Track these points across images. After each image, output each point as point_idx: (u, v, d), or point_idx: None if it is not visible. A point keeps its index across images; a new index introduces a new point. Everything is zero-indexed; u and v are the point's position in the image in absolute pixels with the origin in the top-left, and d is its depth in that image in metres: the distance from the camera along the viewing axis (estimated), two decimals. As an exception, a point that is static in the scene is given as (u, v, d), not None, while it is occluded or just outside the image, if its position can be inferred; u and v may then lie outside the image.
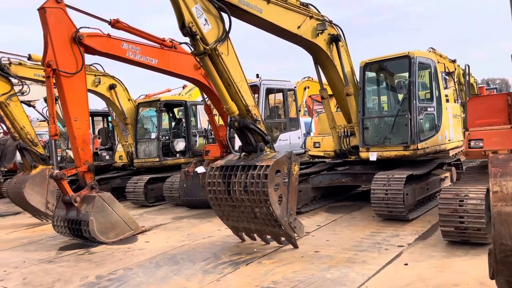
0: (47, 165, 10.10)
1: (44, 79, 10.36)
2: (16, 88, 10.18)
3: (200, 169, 9.92)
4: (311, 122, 11.74)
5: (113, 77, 11.88)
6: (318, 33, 7.41)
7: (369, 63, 8.07)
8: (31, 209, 9.84)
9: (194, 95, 18.07)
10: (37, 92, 13.58)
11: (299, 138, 11.23)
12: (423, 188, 7.94)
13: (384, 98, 8.86)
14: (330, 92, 8.70)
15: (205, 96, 10.98)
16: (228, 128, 6.28)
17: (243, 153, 6.20)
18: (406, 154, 7.49)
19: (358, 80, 8.24)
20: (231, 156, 6.63)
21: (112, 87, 11.76)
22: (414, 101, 7.39)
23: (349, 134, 8.47)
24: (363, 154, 8.01)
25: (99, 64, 11.48)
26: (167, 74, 9.73)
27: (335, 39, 7.71)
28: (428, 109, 7.91)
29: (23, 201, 9.61)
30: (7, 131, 15.30)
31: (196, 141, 12.45)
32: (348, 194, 10.03)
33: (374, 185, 7.13)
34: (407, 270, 4.93)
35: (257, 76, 10.03)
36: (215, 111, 11.31)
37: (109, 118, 14.66)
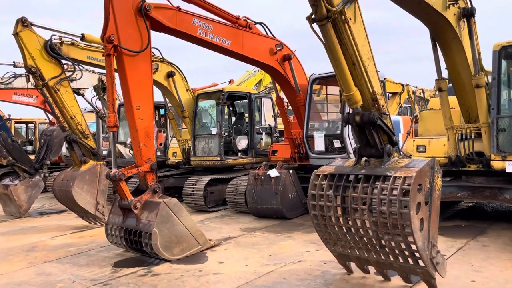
0: (98, 161, 8.88)
1: (98, 63, 9.23)
2: (67, 73, 9.00)
3: (274, 173, 8.40)
4: (399, 121, 9.96)
5: (171, 64, 10.54)
6: (450, 5, 5.70)
7: (507, 47, 6.28)
8: (78, 209, 8.65)
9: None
10: (87, 80, 12.53)
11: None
12: None
13: None
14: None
15: (278, 87, 9.48)
16: (344, 123, 4.65)
17: (364, 159, 4.59)
18: None
19: (488, 70, 6.47)
20: (339, 161, 5.04)
21: (170, 75, 10.42)
22: None
23: (472, 136, 6.69)
24: (496, 164, 6.24)
25: (156, 49, 10.21)
26: (238, 59, 8.26)
27: (468, 14, 5.97)
28: None
29: (71, 200, 8.41)
30: (54, 120, 14.41)
31: (262, 138, 10.93)
32: (452, 210, 8.23)
33: (525, 206, 5.36)
34: None
35: None
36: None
37: (161, 111, 13.46)
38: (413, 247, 4.15)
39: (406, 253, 4.28)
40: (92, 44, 9.16)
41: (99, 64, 9.32)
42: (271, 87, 20.42)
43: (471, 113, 6.83)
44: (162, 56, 10.28)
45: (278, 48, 8.42)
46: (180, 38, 7.26)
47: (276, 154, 10.09)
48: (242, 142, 10.71)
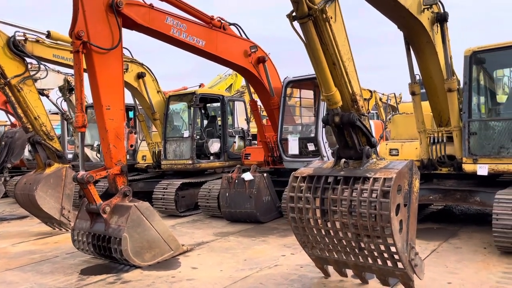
0: (63, 164, 8.48)
1: (65, 62, 8.86)
2: (32, 72, 8.57)
3: (248, 176, 8.27)
4: (371, 125, 10.03)
5: (142, 65, 10.26)
6: (424, 9, 5.78)
7: (477, 52, 6.42)
8: (42, 215, 8.21)
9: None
10: (52, 80, 12.00)
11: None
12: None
13: (497, 97, 7.19)
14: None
15: (252, 90, 9.39)
16: (323, 124, 4.58)
17: (343, 160, 4.54)
18: (534, 169, 5.81)
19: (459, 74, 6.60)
20: (318, 163, 4.96)
21: (140, 76, 10.13)
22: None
23: (444, 140, 6.78)
24: (467, 167, 6.33)
25: (126, 49, 9.88)
26: (212, 60, 8.11)
27: (441, 19, 6.07)
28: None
29: (34, 205, 7.97)
30: (16, 122, 13.76)
31: (234, 142, 10.78)
32: (423, 213, 8.33)
33: (497, 208, 5.45)
34: None
35: None
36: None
37: (130, 114, 13.11)
38: (393, 249, 4.10)
39: (385, 255, 4.24)
40: (59, 42, 8.78)
41: (65, 63, 8.96)
42: (242, 91, 20.38)
43: (442, 117, 6.95)
44: (132, 57, 10.00)
45: (252, 50, 8.34)
46: (152, 36, 7.04)
47: (249, 158, 9.97)
48: (214, 146, 10.53)
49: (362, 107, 4.53)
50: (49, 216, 8.05)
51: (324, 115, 4.70)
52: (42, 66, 8.84)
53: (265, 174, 8.48)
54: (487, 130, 6.22)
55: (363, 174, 4.30)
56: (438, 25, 6.14)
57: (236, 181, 8.41)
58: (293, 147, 8.35)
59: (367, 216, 4.12)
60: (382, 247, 4.20)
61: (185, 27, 7.20)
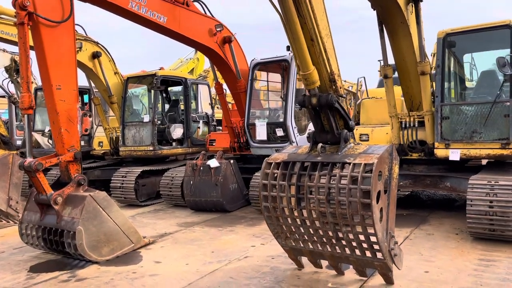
0: (10, 150, 7.75)
1: (11, 38, 8.05)
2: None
3: (214, 163, 7.85)
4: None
5: (97, 44, 9.53)
6: (400, -13, 5.52)
7: (451, 34, 6.27)
8: (-14, 207, 7.48)
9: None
10: (-4, 59, 11.01)
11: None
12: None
13: (467, 81, 7.10)
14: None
15: (217, 72, 8.93)
16: (300, 107, 4.24)
17: (320, 145, 4.22)
18: (505, 153, 5.74)
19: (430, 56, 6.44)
20: (292, 148, 4.64)
21: (96, 55, 9.41)
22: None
23: (416, 125, 6.63)
24: (439, 152, 6.22)
25: (79, 25, 9.13)
26: (175, 38, 7.57)
27: (416, -2, 5.84)
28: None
29: (-23, 196, 7.24)
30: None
31: (198, 127, 10.30)
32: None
33: (471, 194, 5.35)
34: None
35: (288, 48, 8.06)
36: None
37: (85, 97, 12.28)
38: (373, 239, 3.86)
39: (365, 245, 4.00)
40: (2, 16, 7.95)
41: (11, 39, 8.16)
42: (205, 76, 19.74)
43: (413, 101, 6.78)
44: (86, 34, 9.26)
45: (218, 29, 7.86)
46: (108, 10, 6.43)
47: (214, 144, 9.56)
48: (177, 131, 10.01)
49: (340, 87, 4.22)
50: (-6, 208, 7.33)
51: (300, 96, 4.35)
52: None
53: (231, 161, 8.10)
54: (460, 115, 6.10)
55: (341, 159, 4.02)
56: (413, 4, 5.92)
57: (201, 168, 7.97)
58: (261, 132, 8.00)
59: (347, 204, 3.85)
60: (362, 237, 3.95)
61: (145, 1, 6.62)
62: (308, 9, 3.79)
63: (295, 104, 8.02)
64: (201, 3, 7.84)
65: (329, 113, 4.17)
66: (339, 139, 4.24)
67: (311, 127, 8.53)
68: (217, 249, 5.72)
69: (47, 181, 5.44)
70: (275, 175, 4.29)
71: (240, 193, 8.26)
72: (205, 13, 7.92)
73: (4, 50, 11.04)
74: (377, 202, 3.85)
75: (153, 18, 6.77)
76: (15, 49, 10.48)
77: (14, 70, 11.37)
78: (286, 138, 7.98)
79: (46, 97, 5.57)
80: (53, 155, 5.59)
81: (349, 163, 3.92)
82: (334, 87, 4.17)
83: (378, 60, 6.80)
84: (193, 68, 22.94)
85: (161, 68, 19.97)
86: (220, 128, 11.57)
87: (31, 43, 5.33)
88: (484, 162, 7.32)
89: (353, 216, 3.88)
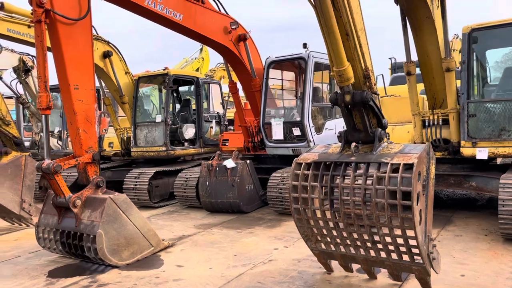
0: (22, 152, 7.59)
1: (21, 37, 7.90)
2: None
3: (230, 163, 7.69)
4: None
5: (108, 43, 9.38)
6: (427, -19, 5.35)
7: (476, 29, 6.09)
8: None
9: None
10: (5, 60, 10.85)
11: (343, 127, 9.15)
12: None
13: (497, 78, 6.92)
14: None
15: (231, 71, 8.77)
16: (332, 105, 4.07)
17: (354, 144, 4.05)
18: (537, 152, 5.57)
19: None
20: (321, 148, 4.47)
21: (107, 55, 9.25)
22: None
23: (440, 123, 6.46)
24: (466, 150, 6.04)
25: (91, 25, 8.95)
26: (189, 36, 7.42)
27: (442, -7, 5.67)
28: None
29: (-11, 199, 7.08)
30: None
31: (211, 127, 10.14)
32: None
33: (503, 193, 5.18)
34: None
35: (304, 46, 7.89)
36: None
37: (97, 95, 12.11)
38: (412, 242, 3.70)
39: (403, 249, 3.83)
40: (14, 15, 7.80)
41: (22, 38, 8.00)
42: (211, 75, 19.57)
43: (436, 99, 6.60)
44: (97, 33, 9.09)
45: (233, 27, 7.70)
46: (125, 8, 6.27)
47: (227, 144, 9.40)
48: (189, 131, 9.86)
49: (374, 84, 4.06)
50: (7, 210, 7.17)
51: (332, 94, 4.18)
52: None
53: (248, 161, 7.93)
54: (486, 112, 5.92)
55: (378, 159, 3.85)
56: (439, -1, 5.75)
57: (217, 168, 7.81)
58: (278, 132, 7.83)
59: (385, 206, 3.68)
60: (400, 240, 3.79)
61: (161, -2, 6.46)
62: (344, 3, 3.62)
63: (312, 103, 7.86)
64: (216, 0, 7.68)
65: (363, 111, 4.01)
66: (372, 138, 4.08)
67: (327, 126, 8.38)
68: (239, 252, 5.56)
69: (65, 184, 5.29)
70: (306, 176, 4.13)
71: (256, 193, 8.10)
72: (219, 10, 7.76)
73: (12, 51, 10.87)
74: (417, 204, 3.69)
75: (169, 15, 6.61)
76: (23, 49, 10.38)
77: (23, 70, 11.21)
78: (302, 138, 7.81)
79: (63, 97, 5.42)
80: (70, 156, 5.44)
81: (387, 163, 3.75)
82: (368, 83, 4.00)
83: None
84: (198, 68, 22.80)
85: (165, 68, 19.86)
86: (232, 127, 11.41)
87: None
88: (498, 161, 7.17)
89: (392, 219, 3.71)
